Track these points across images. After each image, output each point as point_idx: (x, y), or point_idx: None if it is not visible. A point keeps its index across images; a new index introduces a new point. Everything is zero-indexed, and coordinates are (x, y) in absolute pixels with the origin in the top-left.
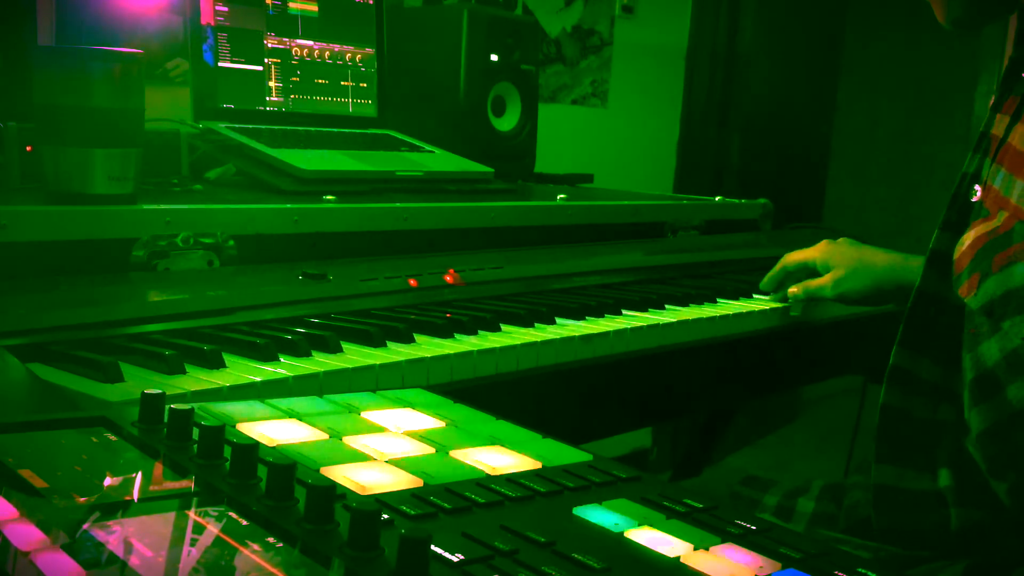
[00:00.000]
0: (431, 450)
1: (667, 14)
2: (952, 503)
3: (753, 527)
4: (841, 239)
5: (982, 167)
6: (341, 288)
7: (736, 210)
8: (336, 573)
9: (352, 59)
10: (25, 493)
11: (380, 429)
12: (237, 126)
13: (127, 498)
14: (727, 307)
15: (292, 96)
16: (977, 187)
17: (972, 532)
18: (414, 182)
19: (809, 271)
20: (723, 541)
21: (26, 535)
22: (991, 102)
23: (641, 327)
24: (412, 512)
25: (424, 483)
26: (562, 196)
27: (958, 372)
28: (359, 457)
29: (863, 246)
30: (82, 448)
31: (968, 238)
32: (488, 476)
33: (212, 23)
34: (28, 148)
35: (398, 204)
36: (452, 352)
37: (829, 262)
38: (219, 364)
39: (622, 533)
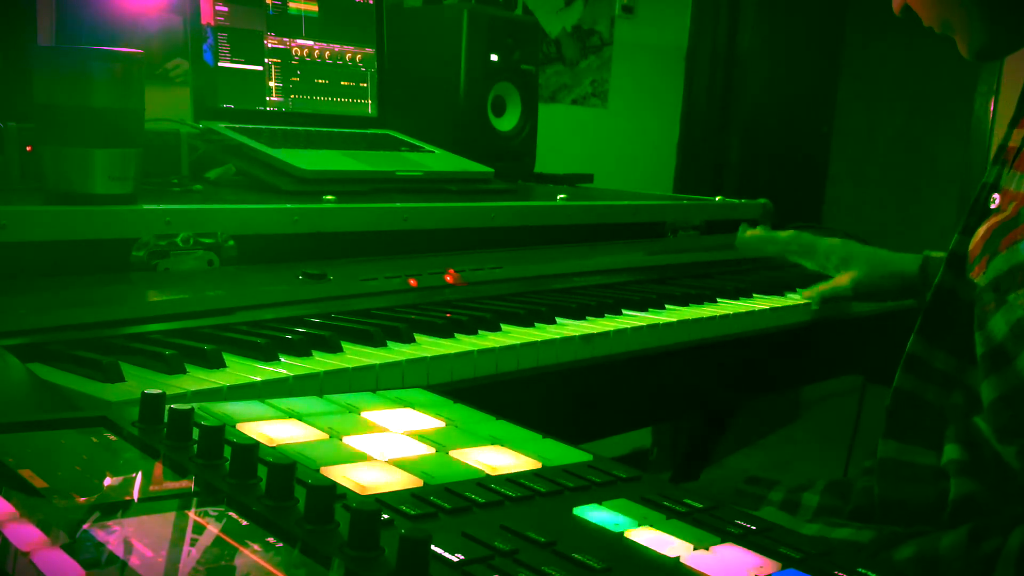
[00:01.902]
0: (431, 450)
1: (667, 14)
2: (954, 473)
3: (753, 527)
4: (847, 241)
5: (1000, 177)
6: (341, 288)
7: (736, 210)
8: (336, 573)
9: (352, 59)
10: (25, 493)
11: (380, 429)
12: (237, 126)
13: (127, 498)
14: (727, 307)
15: (292, 96)
16: (995, 195)
17: (969, 505)
18: (414, 182)
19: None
20: (723, 541)
21: (26, 535)
22: (1010, 119)
23: (641, 327)
24: (412, 512)
25: (424, 483)
26: (562, 196)
27: (971, 365)
28: (359, 457)
29: (875, 249)
30: (82, 448)
31: (981, 230)
32: (488, 476)
33: (212, 23)
34: (28, 148)
35: (398, 204)
36: (452, 352)
37: (845, 266)
38: (219, 364)
39: (622, 533)
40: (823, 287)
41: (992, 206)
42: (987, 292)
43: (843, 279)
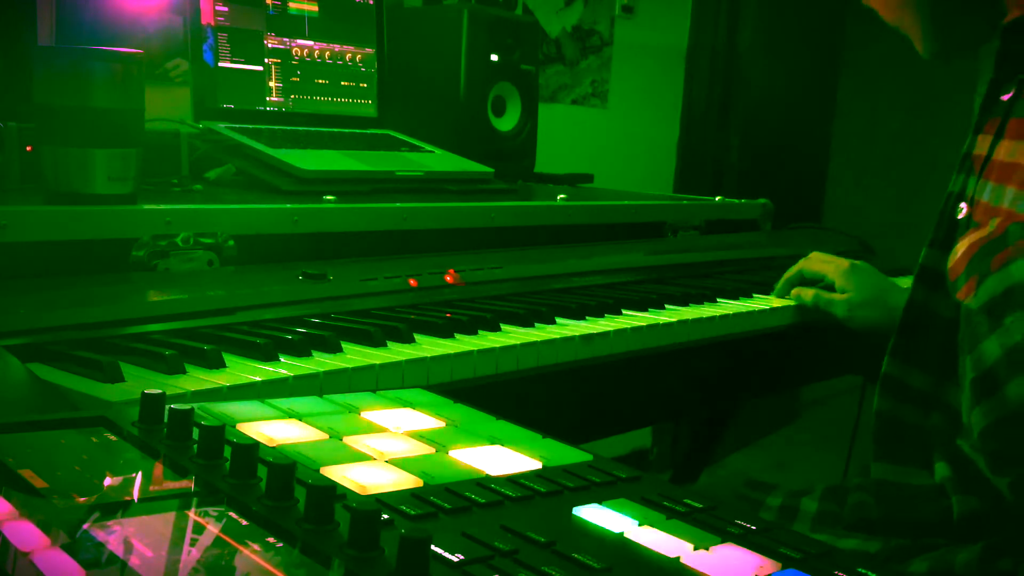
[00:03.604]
0: (431, 450)
1: (667, 14)
2: (952, 491)
3: (753, 527)
4: (863, 264)
5: (966, 186)
6: (341, 288)
7: (736, 210)
8: (336, 573)
9: (352, 59)
10: (25, 493)
11: (380, 429)
12: (237, 126)
13: (127, 498)
14: (727, 307)
15: (292, 96)
16: (963, 205)
17: (974, 521)
18: (414, 182)
19: (825, 283)
20: (723, 541)
21: (26, 535)
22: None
23: (641, 327)
24: (412, 512)
25: (424, 483)
26: (562, 196)
27: (949, 382)
28: (359, 457)
29: (885, 278)
30: (82, 448)
31: (961, 247)
32: (488, 476)
33: (212, 23)
34: (28, 148)
35: (398, 204)
36: (452, 352)
37: (848, 286)
38: (219, 364)
39: (622, 533)
40: (814, 294)
41: (959, 216)
42: (979, 315)
43: (840, 298)
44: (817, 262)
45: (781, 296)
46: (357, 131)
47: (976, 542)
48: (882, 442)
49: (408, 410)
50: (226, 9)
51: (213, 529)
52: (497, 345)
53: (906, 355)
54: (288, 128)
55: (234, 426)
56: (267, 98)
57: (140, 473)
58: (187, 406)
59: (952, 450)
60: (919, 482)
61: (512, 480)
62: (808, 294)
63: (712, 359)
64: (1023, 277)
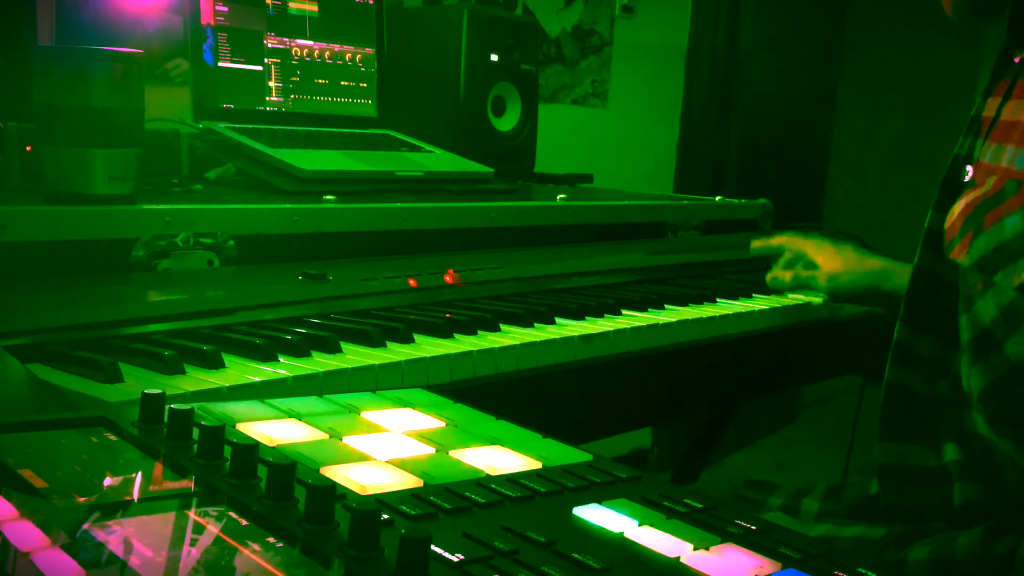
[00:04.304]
0: (431, 450)
1: (667, 14)
2: (956, 477)
3: (753, 527)
4: (844, 245)
5: (973, 148)
6: (341, 288)
7: (736, 210)
8: (336, 573)
9: (352, 59)
10: (25, 493)
11: (380, 429)
12: (237, 126)
13: (127, 498)
14: (727, 307)
15: (292, 96)
16: (969, 167)
17: (974, 508)
18: (414, 182)
19: (807, 264)
20: (723, 541)
21: (26, 535)
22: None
23: (641, 327)
24: (412, 512)
25: (424, 483)
26: (562, 196)
27: (954, 350)
28: (359, 457)
29: (865, 252)
30: (82, 448)
31: (958, 207)
32: (488, 476)
33: (212, 23)
34: (28, 148)
35: (398, 204)
36: (452, 352)
37: (824, 257)
38: (219, 364)
39: (622, 533)
40: (800, 273)
41: (965, 179)
42: (972, 273)
43: (819, 272)
44: (794, 241)
45: (776, 284)
46: (357, 131)
47: (976, 527)
48: (889, 417)
49: (408, 410)
50: (226, 9)
51: (213, 529)
52: (497, 345)
53: (915, 321)
54: (288, 128)
55: (234, 426)
56: (267, 98)
57: (140, 473)
58: (187, 406)
59: (958, 427)
60: (923, 463)
61: (512, 480)
62: (787, 276)
63: (712, 359)
64: (1014, 233)
